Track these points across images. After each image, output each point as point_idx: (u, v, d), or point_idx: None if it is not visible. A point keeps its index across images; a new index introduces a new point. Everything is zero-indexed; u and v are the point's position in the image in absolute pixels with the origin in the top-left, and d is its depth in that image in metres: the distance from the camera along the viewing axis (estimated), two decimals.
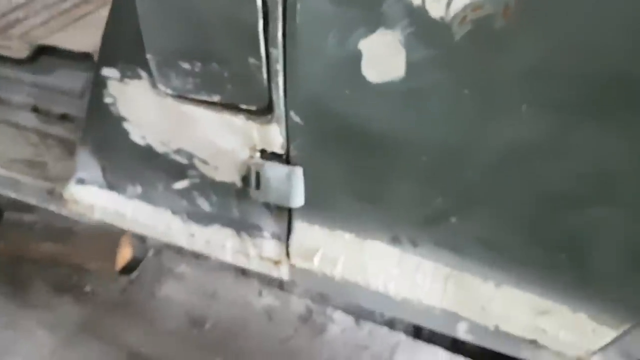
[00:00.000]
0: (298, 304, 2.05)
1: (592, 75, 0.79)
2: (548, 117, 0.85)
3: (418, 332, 1.97)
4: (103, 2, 1.70)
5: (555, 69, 0.81)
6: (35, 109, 1.54)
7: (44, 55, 1.45)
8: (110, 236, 2.10)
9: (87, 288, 2.08)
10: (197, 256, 2.23)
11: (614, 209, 0.88)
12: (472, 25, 0.81)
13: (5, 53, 1.46)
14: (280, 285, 2.16)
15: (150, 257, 2.18)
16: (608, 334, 0.99)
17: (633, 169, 0.83)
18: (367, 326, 1.97)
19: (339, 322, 2.00)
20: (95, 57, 1.31)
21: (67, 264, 2.13)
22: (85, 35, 1.46)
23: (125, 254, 2.11)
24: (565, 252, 0.96)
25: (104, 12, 1.58)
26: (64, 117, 1.51)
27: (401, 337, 1.92)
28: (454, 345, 1.87)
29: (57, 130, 1.52)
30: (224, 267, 2.21)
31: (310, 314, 2.03)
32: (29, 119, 1.55)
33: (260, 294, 2.09)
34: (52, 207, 1.41)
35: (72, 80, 1.44)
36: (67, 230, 2.16)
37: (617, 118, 0.80)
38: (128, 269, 2.12)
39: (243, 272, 2.19)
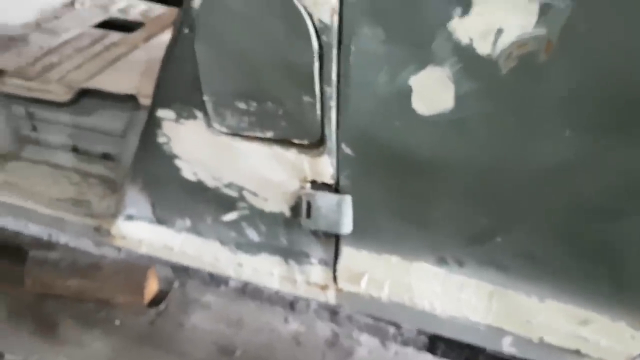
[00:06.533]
0: (324, 328, 2.09)
1: (622, 97, 0.88)
2: (585, 137, 0.93)
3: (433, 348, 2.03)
4: (132, 45, 1.77)
5: (590, 95, 0.90)
6: (74, 149, 1.60)
7: (84, 97, 1.51)
8: (137, 270, 2.13)
9: (117, 322, 2.11)
10: (218, 284, 2.27)
11: None
12: (517, 61, 0.90)
13: (47, 97, 1.52)
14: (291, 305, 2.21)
15: (176, 288, 2.22)
16: None
17: None
18: (394, 347, 2.02)
19: (366, 344, 2.04)
20: (140, 99, 1.38)
21: (94, 299, 2.16)
22: (124, 78, 1.53)
23: (152, 287, 2.15)
24: (604, 263, 1.03)
25: (137, 56, 1.67)
26: (104, 156, 1.57)
27: (427, 357, 1.97)
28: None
29: (98, 169, 1.58)
30: (248, 294, 2.26)
31: (337, 337, 2.07)
32: (69, 159, 1.61)
33: (286, 320, 2.14)
34: (99, 244, 1.46)
35: (114, 120, 1.51)
36: (93, 266, 2.18)
37: None
38: (155, 301, 2.15)
39: (267, 299, 2.23)
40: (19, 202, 1.52)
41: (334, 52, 0.99)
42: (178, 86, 1.15)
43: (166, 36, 1.78)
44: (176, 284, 2.24)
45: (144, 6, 2.09)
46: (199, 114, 1.16)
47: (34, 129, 1.62)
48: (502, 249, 1.08)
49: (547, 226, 1.03)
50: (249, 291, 2.23)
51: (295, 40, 0.99)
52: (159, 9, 2.07)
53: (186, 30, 1.06)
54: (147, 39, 1.81)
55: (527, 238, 1.05)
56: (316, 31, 0.98)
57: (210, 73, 1.09)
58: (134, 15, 2.03)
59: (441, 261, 1.15)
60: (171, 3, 2.11)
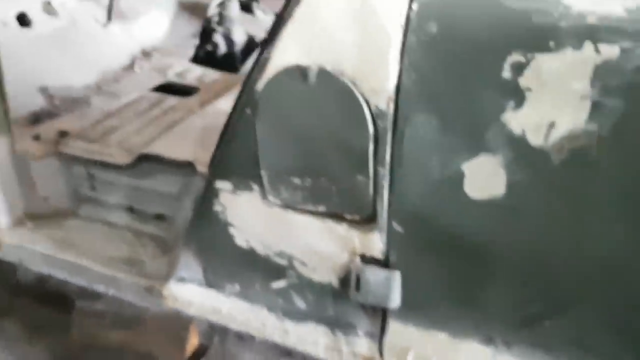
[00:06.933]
0: None
1: None
2: (638, 229, 0.94)
3: None
4: (189, 110, 1.86)
5: None
6: (130, 209, 1.67)
7: (143, 161, 1.59)
8: (179, 323, 2.17)
9: None
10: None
11: None
12: (568, 153, 0.93)
13: (108, 159, 1.60)
14: None
15: (216, 343, 2.24)
16: None
17: None
18: None
19: None
20: (197, 166, 1.45)
21: (136, 352, 2.19)
22: (181, 144, 1.60)
23: (193, 341, 2.18)
24: None
25: (193, 122, 1.74)
26: (158, 217, 1.63)
27: None
28: None
29: (151, 229, 1.64)
30: (285, 353, 2.26)
31: None
32: (124, 218, 1.68)
33: None
34: (150, 304, 1.50)
35: (170, 184, 1.57)
36: (137, 318, 2.23)
37: None
38: (195, 356, 2.17)
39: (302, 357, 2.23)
40: (75, 260, 1.58)
41: (389, 136, 1.04)
42: (237, 160, 1.21)
43: (221, 103, 1.87)
44: (216, 339, 2.27)
45: (199, 71, 2.20)
46: (255, 187, 1.21)
47: (93, 188, 1.70)
48: (550, 333, 1.08)
49: (597, 314, 1.03)
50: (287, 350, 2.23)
51: (353, 124, 1.04)
52: (213, 74, 2.18)
53: (248, 111, 1.12)
54: (203, 104, 1.89)
55: (577, 324, 1.05)
56: (372, 117, 1.03)
57: (268, 150, 1.15)
58: (190, 79, 2.14)
59: (489, 341, 1.15)
60: (224, 69, 2.22)
